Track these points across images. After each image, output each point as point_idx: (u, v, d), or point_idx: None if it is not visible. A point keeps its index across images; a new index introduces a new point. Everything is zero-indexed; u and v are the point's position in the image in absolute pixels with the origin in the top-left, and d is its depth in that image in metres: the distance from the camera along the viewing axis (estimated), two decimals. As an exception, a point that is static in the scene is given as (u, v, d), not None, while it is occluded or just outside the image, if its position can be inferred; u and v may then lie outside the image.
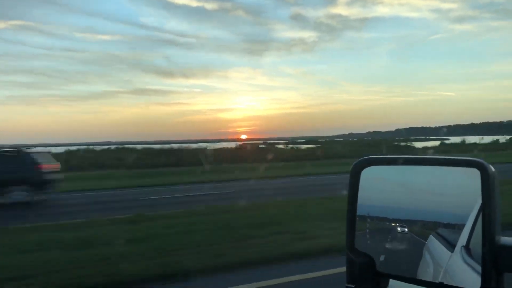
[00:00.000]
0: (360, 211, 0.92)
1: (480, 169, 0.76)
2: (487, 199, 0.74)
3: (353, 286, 0.88)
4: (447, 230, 0.80)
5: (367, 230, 0.91)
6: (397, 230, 0.87)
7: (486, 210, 0.74)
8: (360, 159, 0.94)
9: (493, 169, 0.76)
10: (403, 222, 0.86)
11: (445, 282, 0.80)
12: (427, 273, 0.83)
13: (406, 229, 0.85)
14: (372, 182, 0.92)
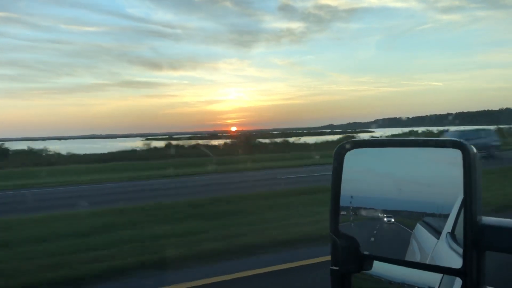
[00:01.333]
0: (344, 194, 0.92)
1: (461, 150, 0.77)
2: (468, 179, 0.75)
3: (336, 268, 0.89)
4: (433, 218, 0.81)
5: (351, 214, 0.92)
6: (383, 220, 0.87)
7: (467, 190, 0.74)
8: (343, 142, 0.94)
9: (474, 149, 0.77)
10: (389, 212, 0.86)
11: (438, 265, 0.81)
12: (413, 259, 0.84)
13: (393, 219, 0.86)
14: (356, 165, 0.93)
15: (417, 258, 0.84)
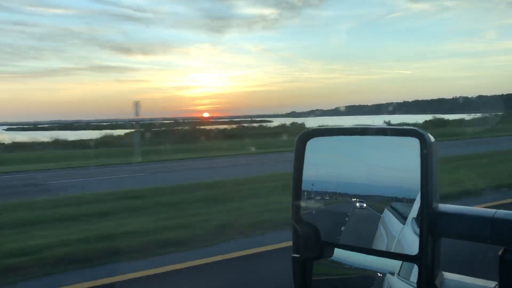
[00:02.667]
0: (306, 182, 0.93)
1: (419, 138, 0.78)
2: (425, 167, 0.76)
3: (297, 255, 0.89)
4: (400, 204, 0.82)
5: (313, 202, 0.92)
6: (355, 205, 0.88)
7: (423, 177, 0.76)
8: (304, 131, 0.94)
9: (431, 137, 0.78)
10: (359, 196, 0.87)
11: (395, 252, 0.83)
12: (381, 245, 0.85)
13: (365, 204, 0.86)
14: (317, 153, 0.93)
15: (384, 243, 0.85)
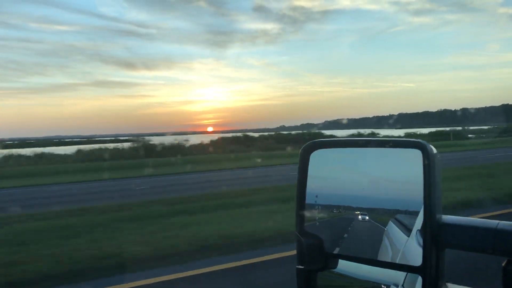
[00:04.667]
0: (309, 194, 0.93)
1: (421, 150, 0.79)
2: (428, 178, 0.77)
3: (302, 267, 0.90)
4: (405, 216, 0.83)
5: (317, 213, 0.93)
6: (358, 218, 0.88)
7: (426, 189, 0.77)
8: (308, 142, 0.95)
9: (434, 149, 0.79)
10: (362, 209, 0.87)
11: (399, 263, 0.83)
12: (385, 257, 0.85)
13: (367, 217, 0.87)
14: (321, 165, 0.94)
15: (389, 255, 0.85)
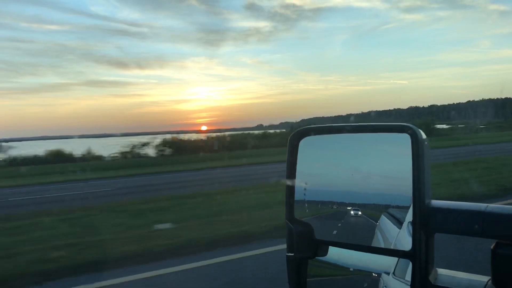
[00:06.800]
0: (299, 181, 0.92)
1: (410, 134, 0.78)
2: (416, 163, 0.76)
3: (291, 254, 0.89)
4: (397, 210, 0.82)
5: (306, 200, 0.92)
6: (350, 213, 0.87)
7: (415, 173, 0.76)
8: (296, 130, 0.94)
9: (422, 134, 0.78)
10: (354, 204, 0.87)
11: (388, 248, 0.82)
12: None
13: (360, 212, 0.86)
14: (311, 152, 0.93)
15: (381, 245, 0.85)
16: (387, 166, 0.84)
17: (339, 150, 0.92)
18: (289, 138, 0.94)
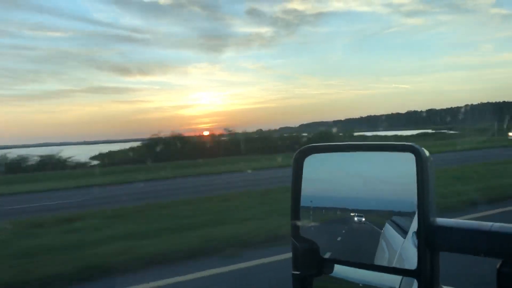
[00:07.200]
0: (304, 199, 0.93)
1: (414, 153, 0.79)
2: (421, 181, 0.77)
3: (297, 272, 0.90)
4: (401, 218, 0.83)
5: (311, 218, 0.93)
6: (354, 219, 0.88)
7: (420, 192, 0.77)
8: (302, 147, 0.95)
9: (426, 152, 0.79)
10: (358, 211, 0.88)
11: (397, 266, 0.83)
12: (383, 259, 0.86)
13: (364, 219, 0.87)
14: (315, 170, 0.94)
15: (386, 257, 0.86)
16: (391, 180, 0.85)
17: (344, 168, 0.93)
18: (294, 156, 0.95)
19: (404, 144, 0.82)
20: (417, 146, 0.80)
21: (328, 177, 0.95)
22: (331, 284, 0.93)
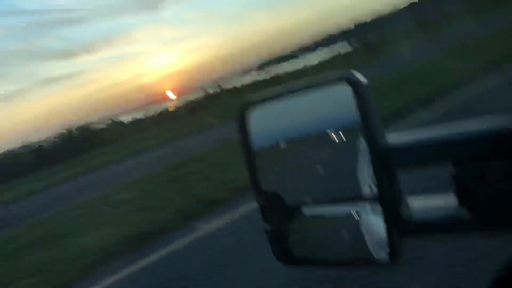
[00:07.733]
0: (257, 152, 0.91)
1: (348, 81, 0.76)
2: (364, 110, 0.74)
3: (268, 224, 0.90)
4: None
5: (268, 168, 0.92)
6: (332, 137, 0.82)
7: (364, 120, 0.75)
8: (242, 102, 0.92)
9: (363, 78, 0.77)
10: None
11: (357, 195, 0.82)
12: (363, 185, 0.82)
13: (341, 133, 0.82)
14: (260, 122, 0.91)
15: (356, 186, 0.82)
16: (335, 114, 0.83)
17: (288, 114, 0.90)
18: (237, 113, 0.92)
19: (336, 74, 0.79)
20: (349, 73, 0.77)
21: (274, 125, 0.93)
22: (303, 226, 0.93)
